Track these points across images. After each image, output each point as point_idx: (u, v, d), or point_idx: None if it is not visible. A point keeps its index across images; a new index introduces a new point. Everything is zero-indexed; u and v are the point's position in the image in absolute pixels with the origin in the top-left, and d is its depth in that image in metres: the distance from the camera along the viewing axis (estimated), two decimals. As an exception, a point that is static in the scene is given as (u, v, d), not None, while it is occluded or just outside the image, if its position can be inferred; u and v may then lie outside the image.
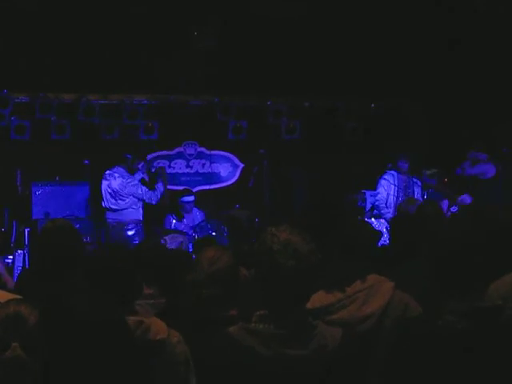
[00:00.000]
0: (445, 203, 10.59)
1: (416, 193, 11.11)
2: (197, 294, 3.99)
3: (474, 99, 11.60)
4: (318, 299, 3.95)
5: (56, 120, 12.23)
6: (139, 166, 11.74)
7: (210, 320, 3.82)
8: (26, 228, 11.00)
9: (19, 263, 10.13)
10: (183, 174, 13.55)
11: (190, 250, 8.81)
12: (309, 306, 3.44)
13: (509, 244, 3.80)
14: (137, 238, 10.95)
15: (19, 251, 10.18)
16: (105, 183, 11.57)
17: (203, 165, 13.72)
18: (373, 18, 11.54)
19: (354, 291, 4.11)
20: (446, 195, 10.72)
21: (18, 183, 11.85)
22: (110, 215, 11.57)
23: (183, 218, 11.96)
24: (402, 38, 11.71)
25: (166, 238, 10.37)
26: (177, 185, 12.98)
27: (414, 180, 11.08)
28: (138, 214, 11.68)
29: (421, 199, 10.76)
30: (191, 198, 12.11)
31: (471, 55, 11.47)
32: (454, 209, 10.58)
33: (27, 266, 10.11)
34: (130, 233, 11.08)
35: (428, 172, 11.21)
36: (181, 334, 3.65)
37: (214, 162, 13.73)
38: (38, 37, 11.33)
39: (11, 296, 3.96)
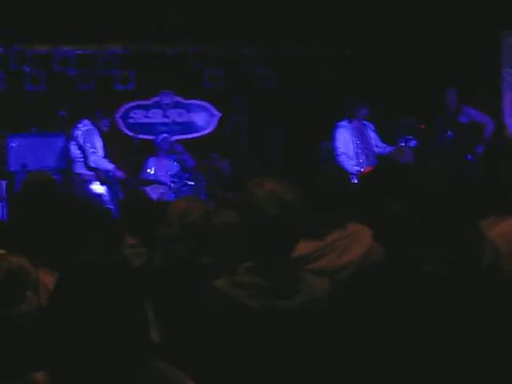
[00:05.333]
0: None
1: (372, 138, 10.94)
2: (170, 250, 3.98)
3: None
4: (297, 249, 3.95)
5: (30, 71, 12.12)
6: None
7: (191, 270, 3.82)
8: (3, 180, 10.96)
9: (-3, 215, 10.14)
10: (160, 123, 13.47)
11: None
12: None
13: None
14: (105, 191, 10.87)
15: (-3, 203, 10.16)
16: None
17: (180, 114, 13.64)
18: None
19: (333, 240, 4.08)
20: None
21: (-6, 135, 11.74)
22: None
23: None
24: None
25: (148, 188, 10.33)
26: (154, 134, 12.88)
27: (365, 123, 10.89)
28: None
29: (376, 143, 10.86)
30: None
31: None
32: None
33: (5, 218, 10.11)
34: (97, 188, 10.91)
35: (406, 119, 11.17)
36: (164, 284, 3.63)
37: (190, 112, 13.66)
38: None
39: None
